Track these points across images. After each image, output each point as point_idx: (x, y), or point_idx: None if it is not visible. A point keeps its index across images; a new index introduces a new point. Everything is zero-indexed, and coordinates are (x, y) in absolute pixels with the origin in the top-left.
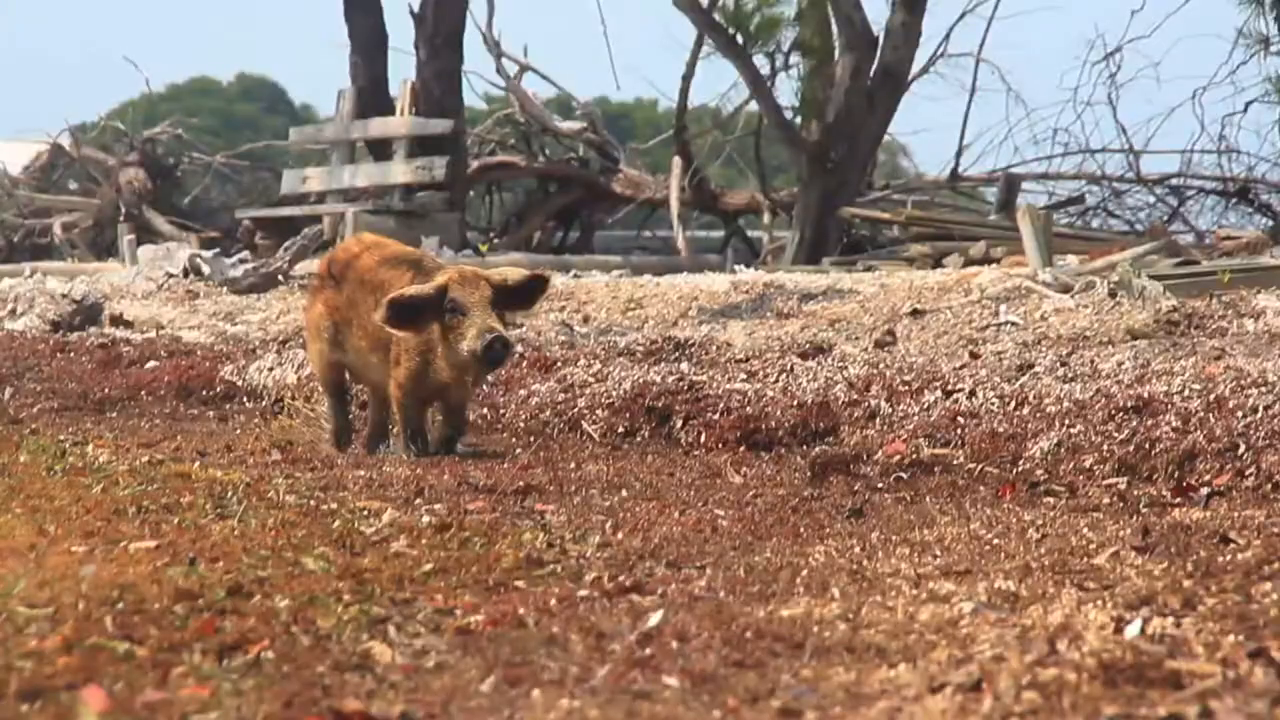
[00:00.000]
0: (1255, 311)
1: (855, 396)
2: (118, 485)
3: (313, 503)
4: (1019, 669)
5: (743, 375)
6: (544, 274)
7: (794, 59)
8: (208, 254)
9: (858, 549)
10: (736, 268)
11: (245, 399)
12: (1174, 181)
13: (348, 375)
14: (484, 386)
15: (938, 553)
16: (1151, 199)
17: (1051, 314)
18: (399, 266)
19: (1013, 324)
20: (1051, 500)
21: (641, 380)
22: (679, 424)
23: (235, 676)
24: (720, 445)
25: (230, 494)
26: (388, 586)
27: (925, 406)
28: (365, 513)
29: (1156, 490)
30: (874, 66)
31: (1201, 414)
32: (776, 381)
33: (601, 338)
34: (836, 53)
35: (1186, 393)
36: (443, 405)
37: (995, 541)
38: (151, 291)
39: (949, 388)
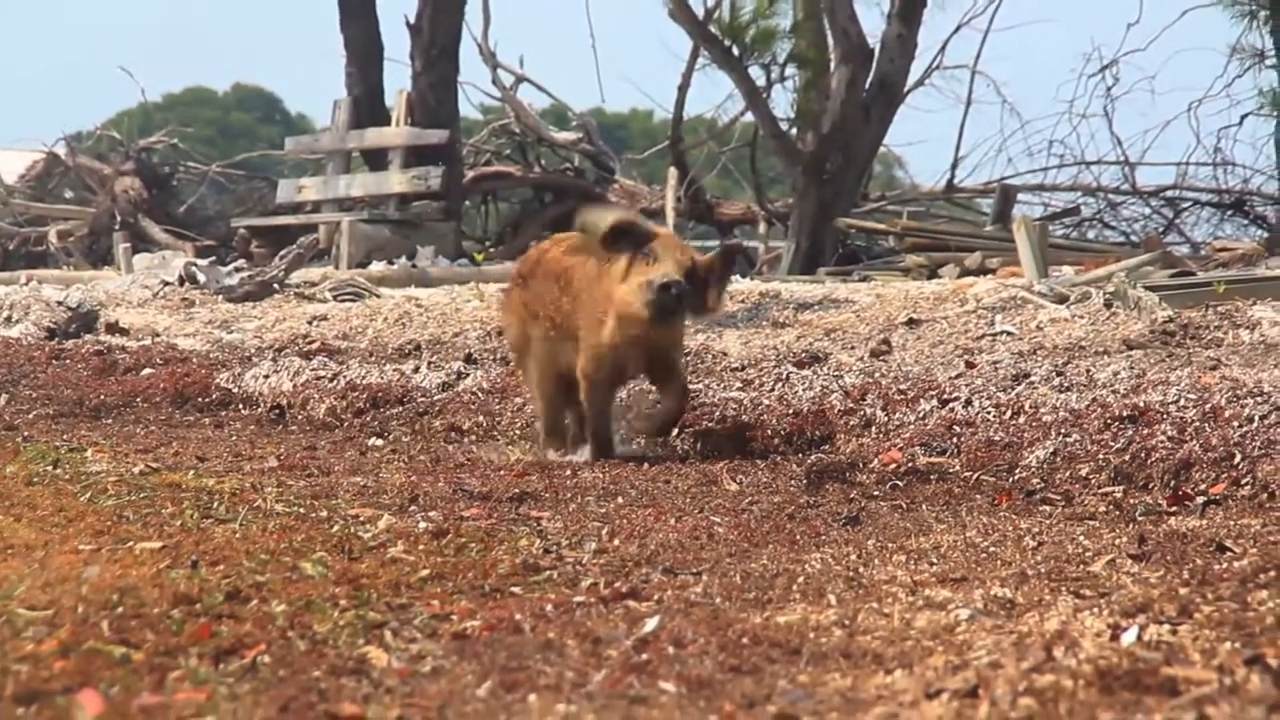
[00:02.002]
0: (1250, 322)
1: (851, 405)
2: (106, 493)
3: (303, 510)
4: (1015, 675)
5: (739, 384)
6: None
7: (789, 70)
8: (203, 262)
9: (854, 556)
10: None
11: (241, 406)
12: (1169, 193)
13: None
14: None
15: (934, 560)
16: (1147, 211)
17: (1047, 324)
18: (581, 253)
19: (1008, 334)
20: (1047, 508)
21: (637, 388)
22: (675, 432)
23: (231, 681)
24: (716, 453)
25: (218, 503)
26: (384, 592)
27: (921, 415)
28: (361, 519)
29: (1152, 499)
30: (869, 78)
31: (1197, 423)
32: (772, 390)
33: None
34: (832, 64)
35: (1182, 402)
36: (656, 374)
37: (991, 549)
38: (147, 299)
39: (945, 397)
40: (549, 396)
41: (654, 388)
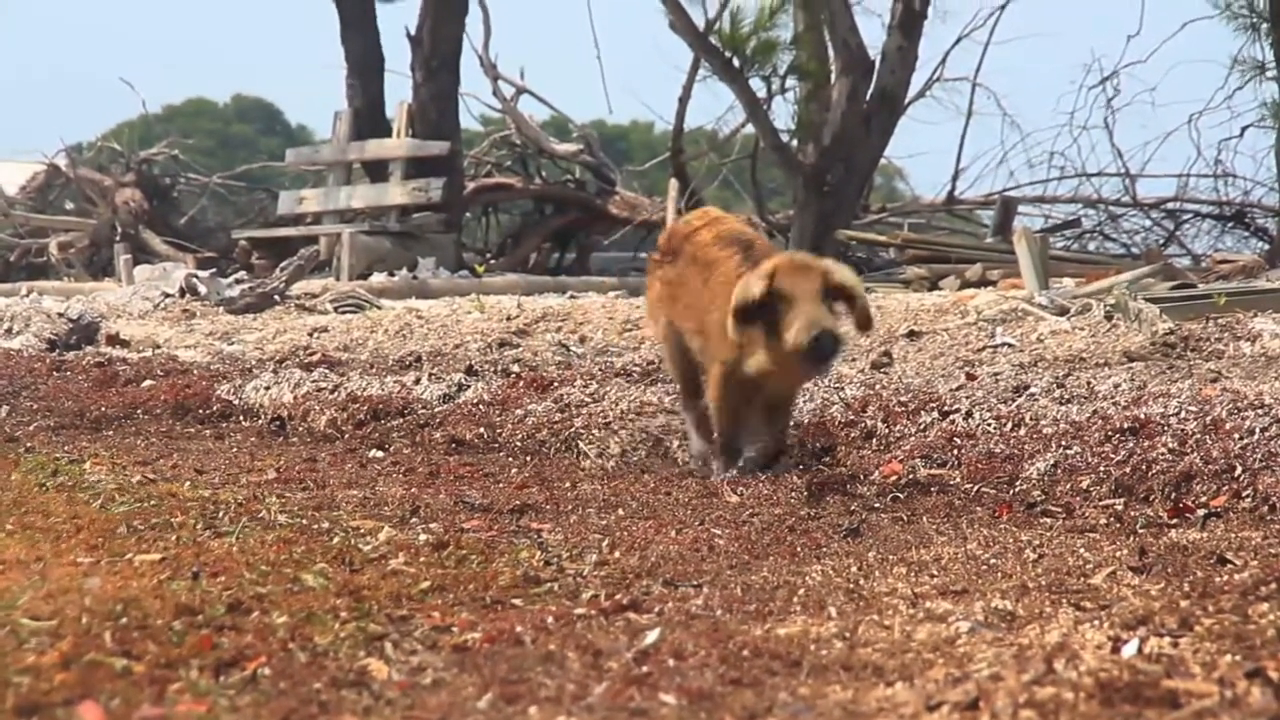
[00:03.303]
0: (1251, 334)
1: (852, 417)
2: (113, 502)
3: (304, 521)
4: (1016, 688)
5: None
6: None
7: (790, 82)
8: (204, 274)
9: (854, 568)
10: None
11: (241, 418)
12: (1170, 205)
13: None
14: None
15: (935, 572)
16: (1148, 222)
17: (1048, 336)
18: (729, 247)
19: (1009, 346)
20: (1048, 521)
21: (638, 400)
22: (675, 444)
23: (232, 693)
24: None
25: (223, 513)
26: (385, 604)
27: (922, 427)
28: (362, 531)
29: (1153, 511)
30: (870, 90)
31: (1198, 436)
32: None
33: (598, 358)
34: (833, 76)
35: (1183, 415)
36: (766, 408)
37: (992, 561)
38: (148, 311)
39: (945, 409)
40: (686, 384)
41: (763, 415)
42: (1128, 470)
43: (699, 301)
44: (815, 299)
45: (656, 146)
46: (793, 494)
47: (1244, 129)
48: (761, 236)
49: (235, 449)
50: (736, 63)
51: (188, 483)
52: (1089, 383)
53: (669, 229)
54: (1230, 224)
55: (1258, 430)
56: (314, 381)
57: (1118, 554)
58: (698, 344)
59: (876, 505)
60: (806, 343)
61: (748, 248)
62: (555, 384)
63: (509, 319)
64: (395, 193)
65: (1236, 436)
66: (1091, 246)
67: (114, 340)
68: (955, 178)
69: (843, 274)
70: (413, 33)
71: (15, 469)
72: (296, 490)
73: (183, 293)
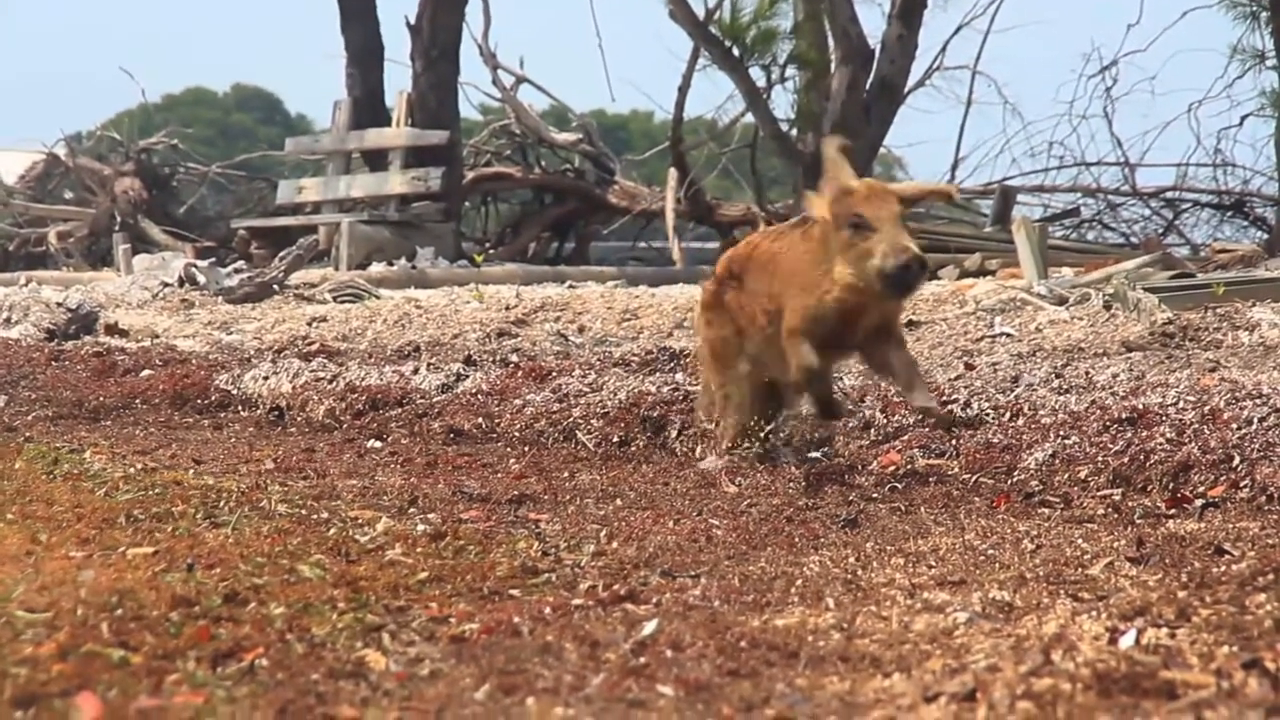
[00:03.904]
0: (1250, 324)
1: (850, 407)
2: (116, 491)
3: (304, 511)
4: (1013, 679)
5: None
6: (945, 189)
7: (790, 71)
8: (203, 263)
9: (852, 559)
10: None
11: (240, 408)
12: (1169, 195)
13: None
14: (486, 401)
15: (932, 563)
16: (1147, 212)
17: (1046, 326)
18: (788, 234)
19: (1008, 336)
20: (1046, 511)
21: (636, 390)
22: (673, 434)
23: (230, 684)
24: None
25: (223, 503)
26: (383, 594)
27: (920, 417)
28: (360, 521)
29: (1151, 501)
30: (870, 79)
31: (1196, 426)
32: None
33: (597, 348)
34: (833, 65)
35: (1181, 404)
36: (875, 345)
37: (990, 552)
38: (146, 300)
39: (944, 398)
40: (752, 404)
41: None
42: (1126, 460)
43: (773, 289)
44: (896, 222)
45: (656, 135)
46: (791, 484)
47: (1244, 118)
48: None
49: (234, 439)
50: (736, 52)
51: (190, 471)
52: (1087, 372)
53: (731, 257)
54: (1229, 213)
55: (1256, 420)
56: (312, 371)
57: (1115, 544)
58: (763, 322)
59: (874, 496)
60: (893, 268)
61: (802, 222)
62: (553, 374)
63: (508, 309)
64: (395, 182)
65: (1234, 426)
66: (1090, 236)
67: (112, 330)
68: (954, 167)
69: (906, 188)
70: (412, 21)
71: (18, 457)
72: (297, 479)
73: (181, 282)
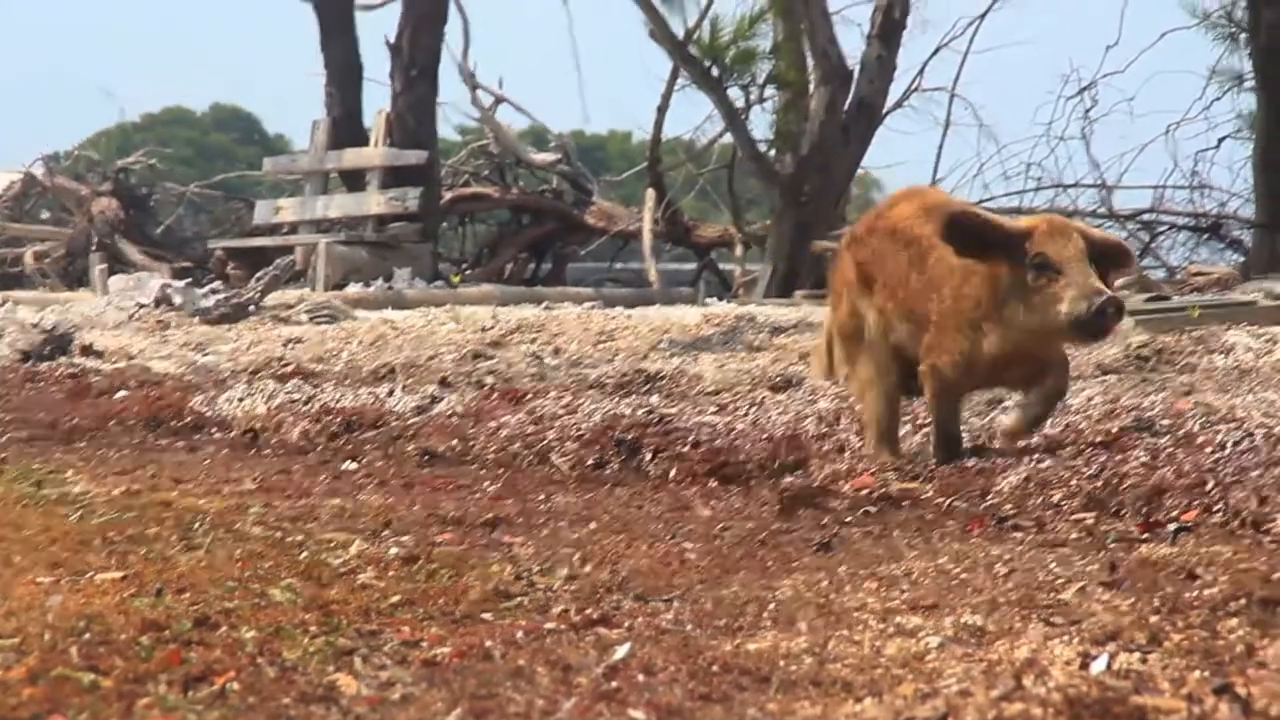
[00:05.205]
0: (1225, 347)
1: (825, 430)
2: (92, 514)
3: (279, 534)
4: (985, 704)
5: (713, 408)
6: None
7: (769, 92)
8: (179, 284)
9: (825, 583)
10: (708, 300)
11: (215, 429)
12: (1146, 217)
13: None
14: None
15: (905, 587)
16: (1123, 234)
17: None
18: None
19: None
20: (1019, 535)
21: (612, 413)
22: (649, 457)
23: (201, 708)
24: (690, 478)
25: (198, 525)
26: (354, 618)
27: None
28: (332, 544)
29: (1124, 526)
30: (849, 100)
31: (1170, 449)
32: (747, 415)
33: (572, 370)
34: (811, 86)
35: (1155, 428)
36: (1030, 384)
37: (963, 576)
38: (122, 321)
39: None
40: (887, 393)
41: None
42: (1099, 484)
43: (909, 276)
44: (1084, 263)
45: (634, 156)
46: (764, 508)
47: (1221, 140)
48: (983, 210)
49: (209, 461)
50: (715, 72)
51: (173, 492)
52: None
53: (864, 217)
54: (1206, 236)
55: (1229, 444)
56: (287, 393)
57: (1088, 569)
58: (904, 329)
59: (848, 519)
60: (1088, 313)
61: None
62: (529, 396)
63: (484, 330)
64: (372, 202)
65: (1208, 450)
66: None
67: (88, 351)
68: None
69: (1093, 232)
70: (392, 41)
71: None
72: (279, 499)
73: (158, 303)
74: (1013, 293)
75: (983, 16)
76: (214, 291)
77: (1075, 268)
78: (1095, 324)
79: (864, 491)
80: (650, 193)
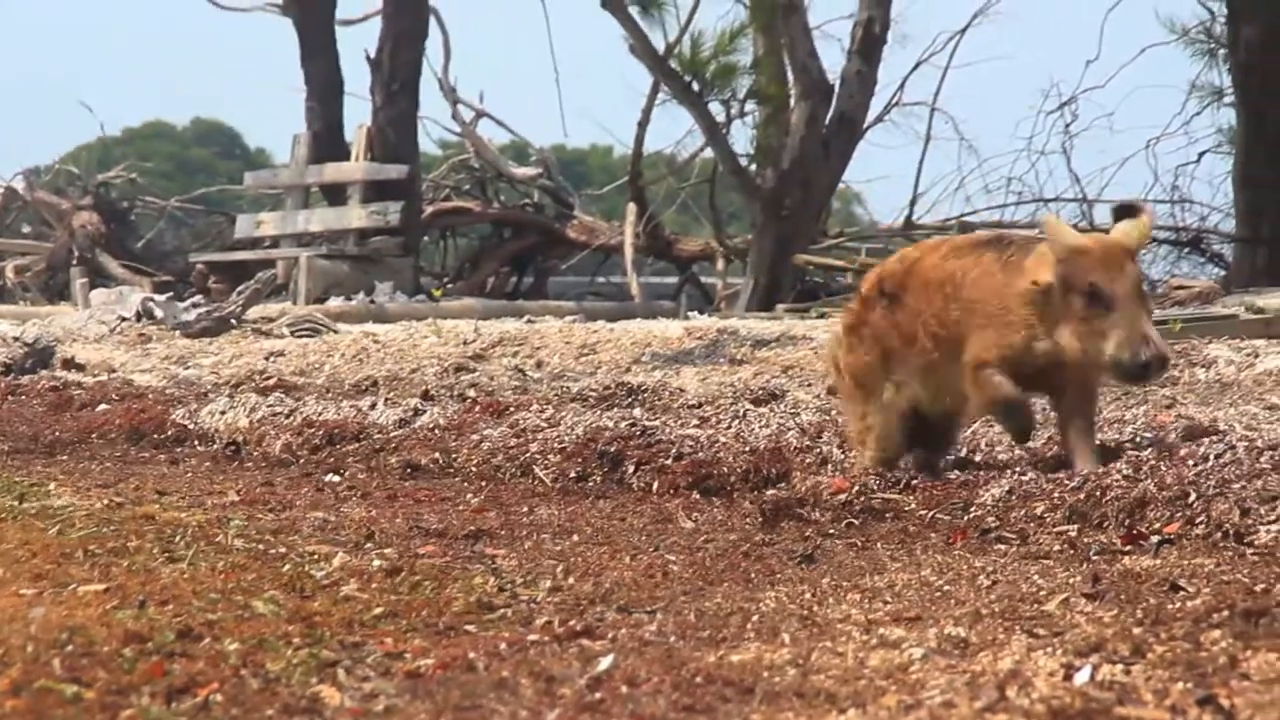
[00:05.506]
0: (1206, 360)
1: (808, 442)
2: (74, 526)
3: (261, 546)
4: (969, 715)
5: (695, 421)
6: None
7: (750, 106)
8: (160, 298)
9: (808, 594)
10: (690, 314)
11: (196, 443)
12: None
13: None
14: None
15: (888, 599)
16: None
17: None
18: (972, 252)
19: None
20: (1002, 547)
21: (594, 425)
22: (631, 469)
23: (184, 719)
24: (672, 491)
25: (179, 538)
26: (337, 630)
27: None
28: (315, 556)
29: (1107, 538)
30: (829, 114)
31: (1152, 462)
32: (729, 427)
33: (554, 383)
34: (792, 100)
35: (1138, 440)
36: (1061, 402)
37: (946, 588)
38: (104, 335)
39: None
40: (898, 435)
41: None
42: (1082, 496)
43: (948, 312)
44: (1138, 302)
45: (615, 170)
46: (747, 520)
47: (1201, 154)
48: (1013, 233)
49: (190, 474)
50: (696, 87)
51: (157, 505)
52: (1044, 408)
53: (881, 275)
54: (1187, 250)
55: (1211, 456)
56: (269, 406)
57: (1071, 580)
58: (952, 366)
59: (831, 531)
60: (1130, 362)
61: (998, 242)
62: (511, 409)
63: (465, 343)
64: (353, 216)
65: (1191, 463)
66: None
67: (69, 364)
68: (913, 202)
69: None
70: (373, 56)
71: None
72: (262, 512)
73: (139, 316)
74: (1062, 311)
75: (963, 31)
76: (195, 305)
77: (1128, 306)
78: (1137, 372)
79: (841, 495)
80: (632, 207)
